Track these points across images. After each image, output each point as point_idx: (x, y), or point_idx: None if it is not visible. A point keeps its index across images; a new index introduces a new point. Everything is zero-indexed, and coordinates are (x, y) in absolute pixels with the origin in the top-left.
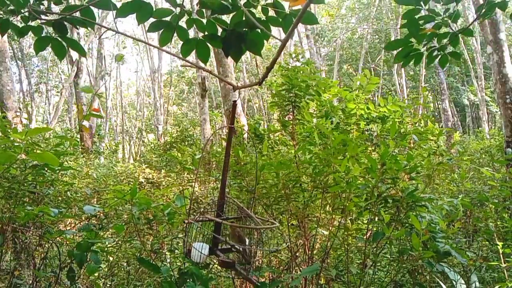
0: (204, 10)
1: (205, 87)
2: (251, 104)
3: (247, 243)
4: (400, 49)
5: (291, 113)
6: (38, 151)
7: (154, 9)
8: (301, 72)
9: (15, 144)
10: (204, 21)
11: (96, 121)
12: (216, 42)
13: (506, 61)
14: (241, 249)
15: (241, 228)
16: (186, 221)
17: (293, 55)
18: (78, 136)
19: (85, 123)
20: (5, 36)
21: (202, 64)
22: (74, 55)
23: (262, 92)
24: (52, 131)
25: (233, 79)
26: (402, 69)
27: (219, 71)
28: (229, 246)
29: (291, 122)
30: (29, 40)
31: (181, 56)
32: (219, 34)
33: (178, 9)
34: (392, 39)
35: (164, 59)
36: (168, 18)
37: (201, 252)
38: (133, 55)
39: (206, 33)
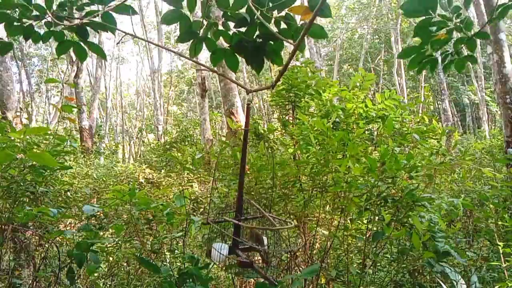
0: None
1: (205, 87)
2: (251, 104)
3: (265, 242)
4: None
5: (290, 113)
6: (36, 151)
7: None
8: (300, 72)
9: (15, 144)
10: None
11: (96, 121)
12: (243, 52)
13: (506, 61)
14: (260, 249)
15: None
16: (205, 222)
17: None
18: (75, 133)
19: (85, 123)
20: (5, 37)
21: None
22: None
23: (262, 92)
24: (50, 131)
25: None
26: (402, 69)
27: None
28: (248, 246)
29: (291, 122)
30: (29, 40)
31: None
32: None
33: (205, 22)
34: (392, 39)
35: (164, 59)
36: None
37: (220, 253)
38: (133, 55)
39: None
